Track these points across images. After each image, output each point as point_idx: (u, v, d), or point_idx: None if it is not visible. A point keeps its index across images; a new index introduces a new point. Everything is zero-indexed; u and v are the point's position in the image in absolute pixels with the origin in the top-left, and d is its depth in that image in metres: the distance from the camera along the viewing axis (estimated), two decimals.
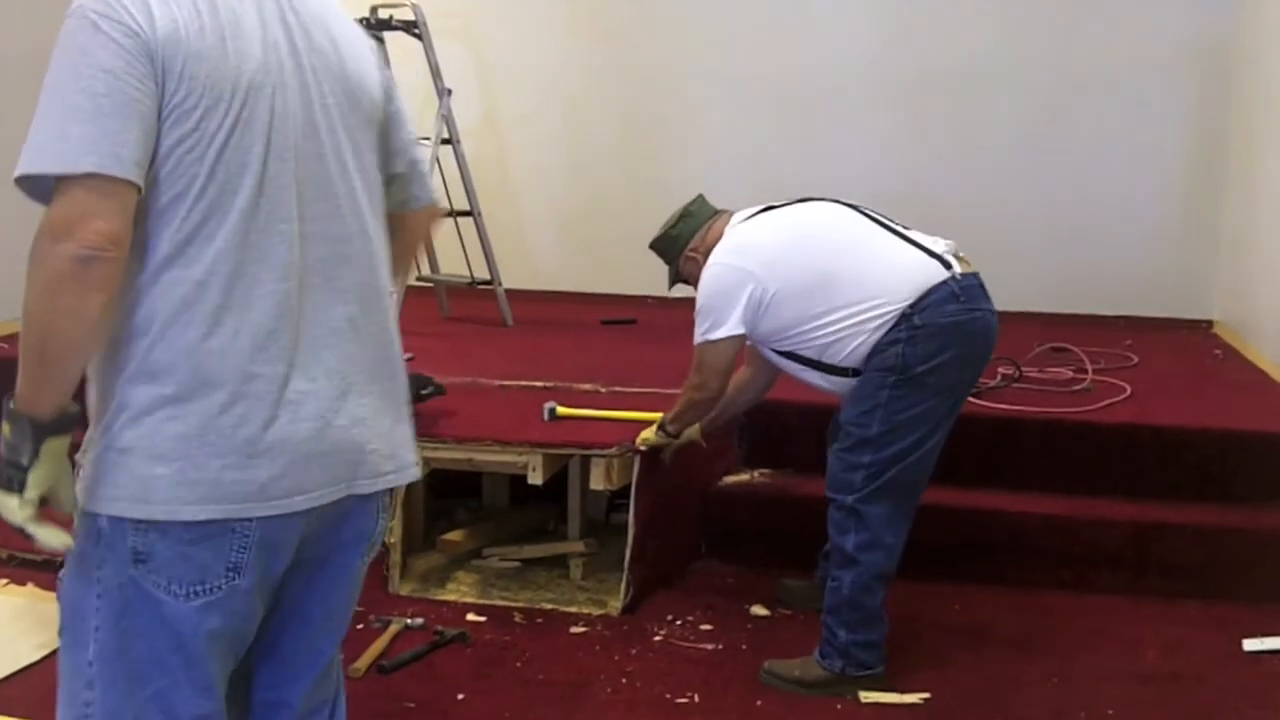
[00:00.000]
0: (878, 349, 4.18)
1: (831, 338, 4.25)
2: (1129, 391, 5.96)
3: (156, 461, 2.21)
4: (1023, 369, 6.08)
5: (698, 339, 4.41)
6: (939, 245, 4.33)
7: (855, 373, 4.27)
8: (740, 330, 4.32)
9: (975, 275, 4.29)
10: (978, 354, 4.29)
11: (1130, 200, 8.02)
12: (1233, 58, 7.83)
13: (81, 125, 2.07)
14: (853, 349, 4.23)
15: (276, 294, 2.28)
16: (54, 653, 4.38)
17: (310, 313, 2.33)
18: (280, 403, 2.29)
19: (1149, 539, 5.18)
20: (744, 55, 8.41)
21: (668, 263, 4.68)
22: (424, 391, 5.31)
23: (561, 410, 5.29)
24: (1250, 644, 4.69)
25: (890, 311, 4.16)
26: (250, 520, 2.28)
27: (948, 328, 4.15)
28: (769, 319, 4.31)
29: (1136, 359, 6.72)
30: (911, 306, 4.15)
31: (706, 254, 4.47)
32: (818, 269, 4.27)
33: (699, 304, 4.40)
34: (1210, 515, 5.23)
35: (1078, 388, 6.04)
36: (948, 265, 4.25)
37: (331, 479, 2.39)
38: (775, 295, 4.27)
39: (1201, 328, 7.88)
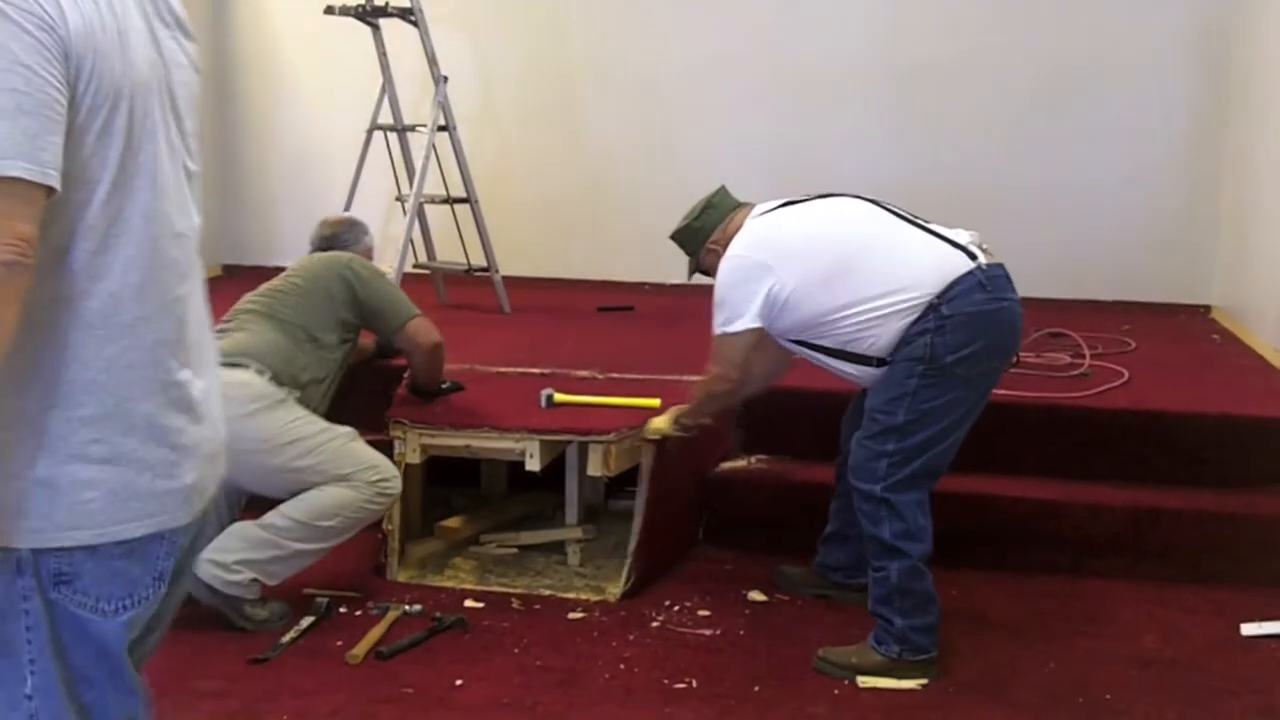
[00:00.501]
0: (905, 339, 4.20)
1: (856, 329, 4.26)
2: (1127, 377, 5.97)
3: (83, 486, 2.10)
4: (1020, 354, 6.08)
5: (716, 330, 4.44)
6: (963, 236, 4.35)
7: (880, 362, 4.28)
8: (758, 323, 4.34)
9: (1000, 266, 4.31)
10: (1005, 344, 4.32)
11: (1128, 185, 8.01)
12: (1231, 42, 7.82)
13: (3, 124, 1.92)
14: (879, 339, 4.24)
15: (181, 298, 2.21)
16: None
17: (193, 309, 2.27)
18: (191, 405, 2.23)
19: (1146, 524, 5.19)
20: (741, 45, 8.39)
21: (689, 254, 4.69)
22: (443, 385, 5.33)
23: (559, 397, 5.29)
24: (1248, 629, 4.70)
25: (916, 302, 4.18)
26: (178, 527, 2.22)
27: (976, 317, 4.17)
28: (788, 313, 4.33)
29: (1134, 344, 6.73)
30: (939, 297, 4.17)
31: (727, 246, 4.48)
32: (839, 262, 4.28)
33: (717, 296, 4.42)
34: (1207, 500, 5.24)
35: (1075, 373, 6.04)
36: (973, 256, 4.26)
37: (216, 477, 2.34)
38: (794, 290, 4.28)
39: (1199, 313, 7.88)
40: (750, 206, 4.60)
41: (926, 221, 4.44)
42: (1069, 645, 4.60)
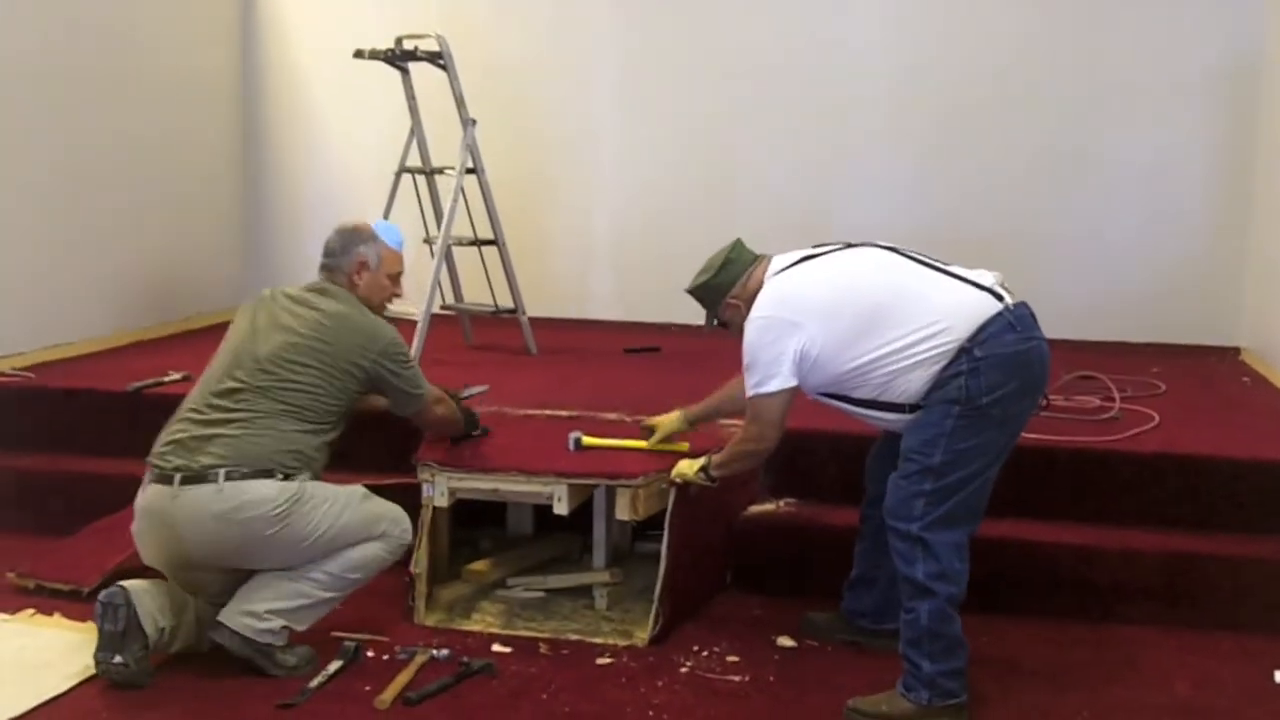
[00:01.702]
0: (939, 383, 4.21)
1: (887, 378, 4.27)
2: (1157, 420, 5.93)
3: None
4: (1050, 397, 6.04)
5: (749, 392, 4.44)
6: (986, 278, 4.35)
7: (913, 408, 4.29)
8: (793, 381, 4.35)
9: (1025, 305, 4.32)
10: (1036, 383, 4.32)
11: (1157, 226, 8.00)
12: (1260, 81, 7.81)
13: None
14: (911, 386, 4.25)
15: None
16: (82, 683, 4.42)
17: None
18: None
19: (1178, 570, 5.15)
20: (764, 90, 8.42)
21: (707, 308, 4.68)
22: (475, 433, 5.30)
23: (587, 440, 5.27)
24: None
25: (947, 346, 4.19)
26: None
27: (1009, 358, 4.18)
28: (819, 370, 4.34)
29: (1164, 387, 6.69)
30: (970, 340, 4.18)
31: (748, 301, 4.48)
32: (867, 315, 4.28)
33: (747, 359, 4.42)
34: (1241, 546, 5.19)
35: (1105, 416, 6.00)
36: (999, 297, 4.26)
37: None
38: (824, 347, 4.30)
39: (1230, 354, 7.84)
40: (767, 259, 4.58)
41: (948, 265, 4.43)
42: (1102, 693, 4.55)
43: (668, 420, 5.12)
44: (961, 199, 8.11)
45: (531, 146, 8.73)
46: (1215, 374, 7.32)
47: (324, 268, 5.02)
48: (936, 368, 4.20)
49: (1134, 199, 8.02)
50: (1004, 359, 4.17)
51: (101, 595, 4.46)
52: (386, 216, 7.51)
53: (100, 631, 4.42)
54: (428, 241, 7.59)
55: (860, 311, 4.29)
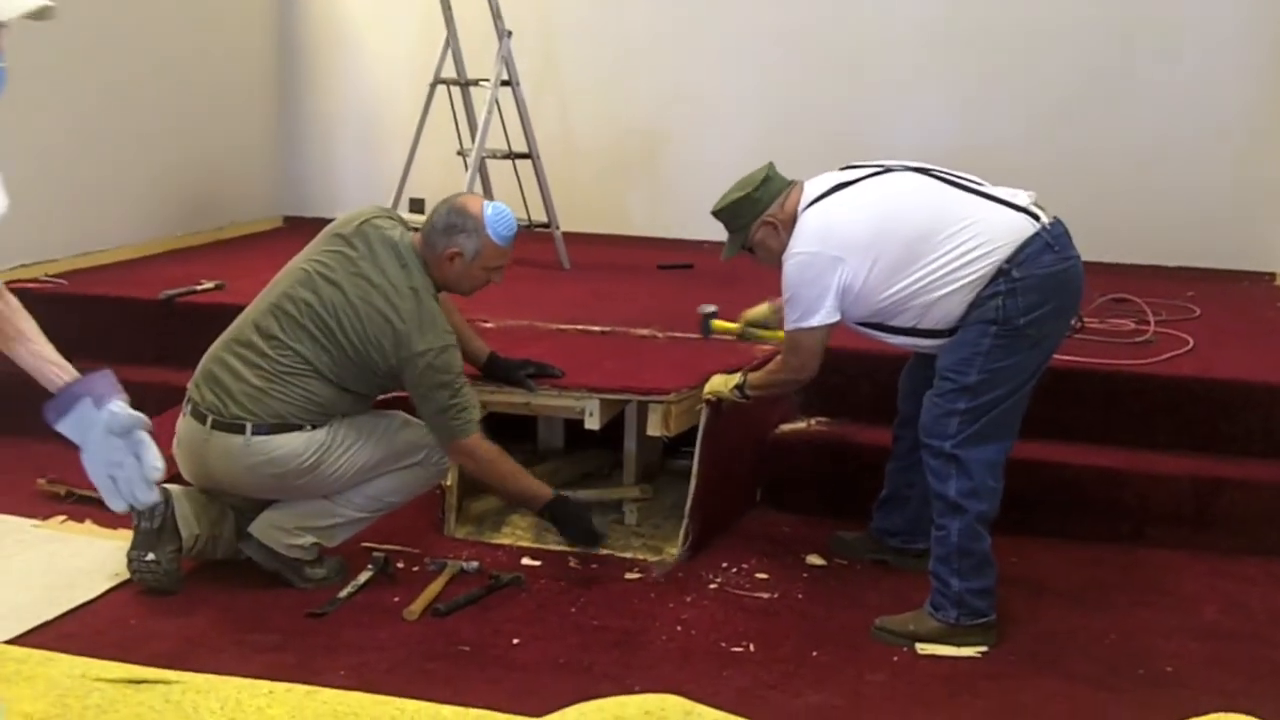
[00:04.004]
0: (976, 304, 4.20)
1: (927, 304, 4.27)
2: (1191, 344, 5.90)
3: None
4: (1084, 319, 6.02)
5: (789, 326, 4.44)
6: (1021, 198, 4.33)
7: (951, 331, 4.29)
8: (835, 317, 4.35)
9: (1060, 223, 4.30)
10: (1072, 303, 4.33)
11: (1194, 151, 7.91)
12: None
13: None
14: (951, 310, 4.25)
15: None
16: (113, 589, 4.46)
17: None
18: None
19: (1208, 494, 5.14)
20: (800, 9, 8.33)
21: (737, 229, 4.56)
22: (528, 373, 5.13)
23: (717, 325, 5.32)
24: None
25: (986, 268, 4.18)
26: None
27: (1046, 279, 4.18)
28: (861, 303, 4.33)
29: (1199, 311, 6.65)
30: (1008, 261, 4.17)
31: (785, 223, 4.44)
32: (908, 246, 4.26)
33: (788, 293, 4.40)
34: (1271, 471, 5.19)
35: (1140, 340, 5.98)
36: (1035, 217, 4.25)
37: None
38: (866, 281, 4.28)
39: (1264, 280, 7.78)
40: (801, 185, 4.52)
41: (982, 184, 4.41)
42: (1129, 615, 4.56)
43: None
44: (999, 126, 8.03)
45: (566, 60, 8.68)
46: (1250, 299, 7.27)
47: (423, 234, 4.64)
48: (975, 291, 4.19)
49: (1172, 123, 7.93)
50: (1041, 280, 4.16)
51: None
52: (421, 128, 7.50)
53: (136, 528, 4.45)
54: (461, 154, 7.58)
55: (901, 241, 4.26)
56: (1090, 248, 4.44)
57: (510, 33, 7.32)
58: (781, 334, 4.77)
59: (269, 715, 3.64)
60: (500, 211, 4.64)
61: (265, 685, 3.80)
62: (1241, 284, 7.65)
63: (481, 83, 7.44)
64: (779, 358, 4.67)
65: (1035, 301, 4.15)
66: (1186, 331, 6.10)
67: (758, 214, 4.50)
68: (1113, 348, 5.81)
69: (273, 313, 4.51)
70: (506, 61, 7.31)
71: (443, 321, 4.54)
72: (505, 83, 7.32)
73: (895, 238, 4.27)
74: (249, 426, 4.39)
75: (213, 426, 4.43)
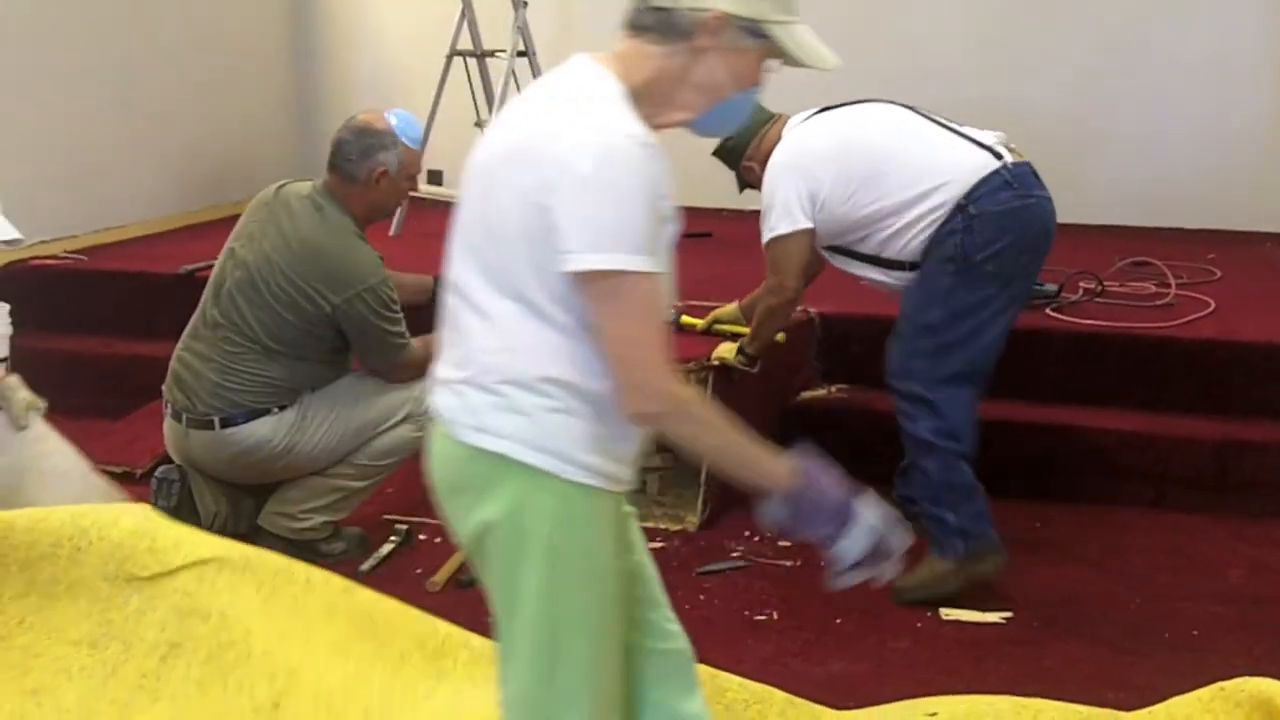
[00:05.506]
0: (935, 241, 4.24)
1: (886, 231, 4.31)
2: (1212, 307, 5.88)
3: None
4: (1104, 283, 6.02)
5: (765, 237, 4.46)
6: (988, 137, 4.37)
7: (913, 266, 4.32)
8: (807, 224, 4.36)
9: (1027, 164, 4.32)
10: (1035, 240, 4.31)
11: (1214, 113, 7.88)
12: None
13: None
14: (909, 242, 4.29)
15: None
16: None
17: None
18: None
19: (1231, 457, 5.13)
20: None
21: (733, 168, 4.70)
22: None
23: (685, 320, 5.30)
24: None
25: (944, 203, 4.22)
26: None
27: (1003, 215, 4.19)
28: (828, 218, 4.35)
29: (1220, 273, 6.62)
30: (965, 197, 4.20)
31: (762, 162, 4.51)
32: (870, 165, 4.31)
33: (763, 205, 4.45)
34: None
35: (1160, 302, 5.96)
36: (998, 155, 4.27)
37: None
38: (830, 193, 4.31)
39: None
40: (784, 118, 4.59)
41: (957, 123, 4.44)
42: (1152, 580, 4.57)
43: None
44: (1017, 85, 7.98)
45: (582, 30, 8.65)
46: (1271, 261, 7.24)
47: (335, 170, 4.57)
48: (935, 227, 4.22)
49: (1192, 84, 7.89)
50: (998, 215, 4.18)
51: (158, 471, 4.54)
52: (437, 99, 7.49)
53: (153, 507, 4.47)
54: (479, 125, 7.56)
55: (864, 156, 4.33)
56: (1110, 210, 4.44)
57: (526, 3, 7.30)
58: (746, 329, 4.89)
59: (303, 605, 3.56)
60: (404, 117, 4.65)
61: (303, 573, 3.63)
62: (1263, 246, 7.61)
63: (498, 54, 7.42)
64: (761, 285, 4.68)
65: (991, 236, 4.17)
66: (1207, 294, 6.08)
67: (739, 157, 4.62)
68: (1134, 311, 5.80)
69: (214, 299, 4.58)
70: (522, 32, 7.30)
71: (370, 256, 4.52)
72: (521, 53, 7.30)
73: (859, 149, 4.35)
74: (216, 421, 4.45)
75: (188, 425, 4.51)
